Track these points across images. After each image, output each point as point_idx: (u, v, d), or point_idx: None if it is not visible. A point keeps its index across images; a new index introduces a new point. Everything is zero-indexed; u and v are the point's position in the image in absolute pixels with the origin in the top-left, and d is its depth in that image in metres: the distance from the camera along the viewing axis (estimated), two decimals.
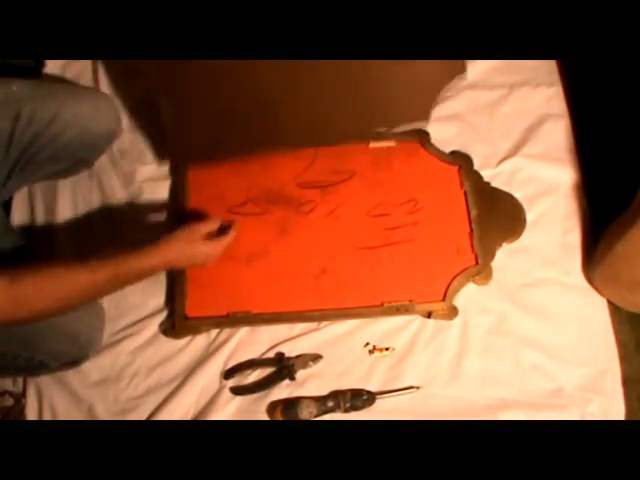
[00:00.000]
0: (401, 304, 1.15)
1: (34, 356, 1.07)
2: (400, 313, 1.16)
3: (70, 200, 1.27)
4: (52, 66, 1.38)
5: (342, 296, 1.17)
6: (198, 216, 1.13)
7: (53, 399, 1.13)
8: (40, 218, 1.26)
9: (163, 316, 1.18)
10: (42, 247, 1.23)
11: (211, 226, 1.06)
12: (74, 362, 1.12)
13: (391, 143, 1.29)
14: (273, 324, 1.17)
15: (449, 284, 1.16)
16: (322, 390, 1.12)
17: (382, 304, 1.16)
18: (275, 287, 1.18)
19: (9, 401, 1.12)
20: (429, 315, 1.15)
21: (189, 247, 1.02)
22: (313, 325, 1.17)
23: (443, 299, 1.15)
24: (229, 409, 1.11)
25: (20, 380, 1.15)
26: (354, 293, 1.17)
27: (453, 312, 1.15)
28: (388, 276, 1.18)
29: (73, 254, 1.22)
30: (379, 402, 1.10)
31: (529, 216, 1.23)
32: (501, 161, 1.29)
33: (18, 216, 1.27)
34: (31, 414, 1.13)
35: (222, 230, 1.08)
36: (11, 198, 1.27)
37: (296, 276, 1.19)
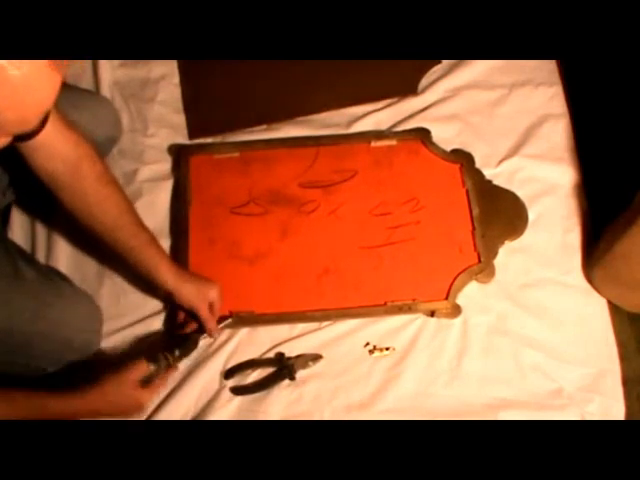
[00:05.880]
0: (404, 303, 1.15)
1: (30, 362, 1.07)
2: (403, 312, 1.16)
3: None
4: None
5: (345, 296, 1.17)
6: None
7: None
8: (40, 220, 1.25)
9: (163, 316, 1.18)
10: (42, 250, 1.23)
11: (139, 372, 1.00)
12: (72, 365, 1.12)
13: (392, 142, 1.29)
14: (276, 324, 1.17)
15: (452, 282, 1.16)
16: (322, 390, 1.12)
17: (385, 303, 1.15)
18: (278, 287, 1.18)
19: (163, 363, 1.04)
20: (432, 314, 1.15)
21: (118, 396, 0.98)
22: (314, 325, 1.17)
23: (446, 297, 1.15)
24: (229, 409, 1.11)
25: None
26: (357, 292, 1.17)
27: (456, 310, 1.15)
28: (391, 275, 1.18)
29: (74, 256, 1.22)
30: (379, 402, 1.10)
31: (529, 216, 1.23)
32: (501, 161, 1.29)
33: (18, 218, 1.26)
34: None
35: (150, 378, 1.01)
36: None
37: (299, 276, 1.19)
